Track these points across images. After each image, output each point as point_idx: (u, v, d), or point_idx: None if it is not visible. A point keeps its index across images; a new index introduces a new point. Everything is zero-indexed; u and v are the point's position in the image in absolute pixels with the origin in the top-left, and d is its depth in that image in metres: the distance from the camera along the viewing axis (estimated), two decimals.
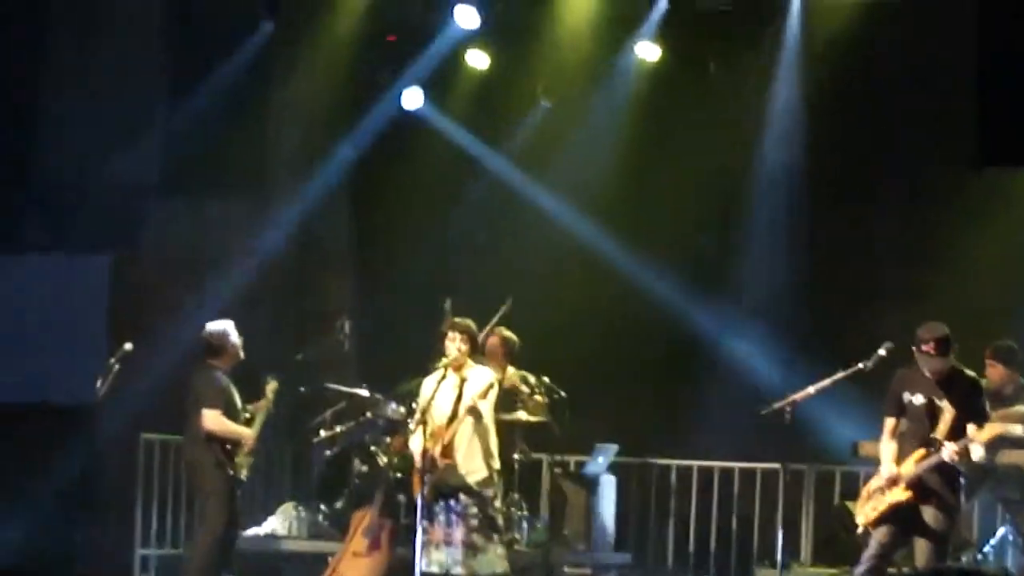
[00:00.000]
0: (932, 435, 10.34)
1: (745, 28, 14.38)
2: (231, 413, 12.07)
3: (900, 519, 10.40)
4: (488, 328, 12.35)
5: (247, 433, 12.10)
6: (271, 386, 12.29)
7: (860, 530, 10.75)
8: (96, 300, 14.96)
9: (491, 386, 11.69)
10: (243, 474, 12.08)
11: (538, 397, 13.27)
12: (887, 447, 10.58)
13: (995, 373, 12.16)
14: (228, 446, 12.00)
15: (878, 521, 10.47)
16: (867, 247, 13.98)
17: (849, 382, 10.94)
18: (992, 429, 10.38)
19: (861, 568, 10.43)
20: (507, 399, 12.81)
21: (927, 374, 10.36)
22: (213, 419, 11.95)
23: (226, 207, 15.34)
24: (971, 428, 10.28)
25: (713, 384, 14.46)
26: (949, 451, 10.22)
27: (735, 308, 14.60)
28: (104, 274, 15.15)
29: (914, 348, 10.33)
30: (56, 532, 13.36)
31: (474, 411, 11.57)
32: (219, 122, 14.95)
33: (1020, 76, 7.51)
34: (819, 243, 14.29)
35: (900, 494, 10.36)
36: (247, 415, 12.18)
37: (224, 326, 12.17)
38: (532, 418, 13.17)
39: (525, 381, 13.27)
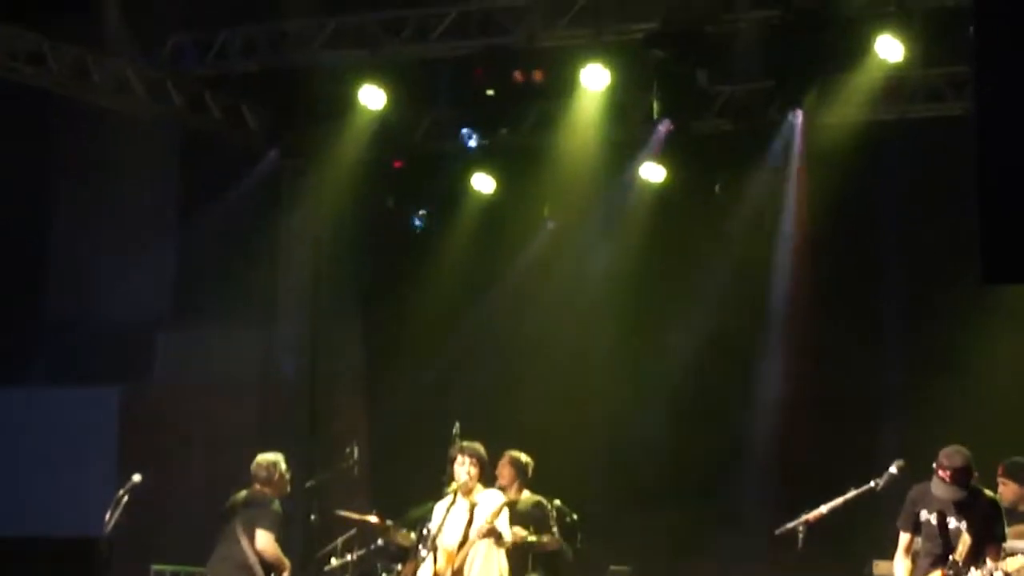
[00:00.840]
0: (952, 556, 10.23)
1: (747, 149, 14.45)
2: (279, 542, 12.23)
3: None
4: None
5: (287, 563, 12.22)
6: None
7: None
8: (105, 432, 14.99)
9: (504, 506, 11.64)
10: None
11: (552, 521, 13.21)
12: (901, 564, 10.48)
13: (1008, 491, 12.06)
14: (272, 574, 12.06)
15: None
16: (875, 365, 13.95)
17: (861, 501, 10.87)
18: (1021, 561, 10.26)
19: None
20: (522, 523, 12.74)
21: (943, 497, 10.28)
22: (269, 542, 12.05)
23: (236, 335, 15.40)
24: (991, 555, 10.16)
25: (726, 505, 14.37)
26: None
27: (743, 427, 14.54)
28: (113, 406, 15.20)
29: (933, 467, 10.26)
30: None
31: (492, 532, 11.49)
32: (228, 251, 15.04)
33: (1019, 195, 7.57)
34: (829, 362, 14.26)
35: None
36: None
37: (275, 456, 12.30)
38: (546, 540, 13.09)
39: (539, 505, 13.20)
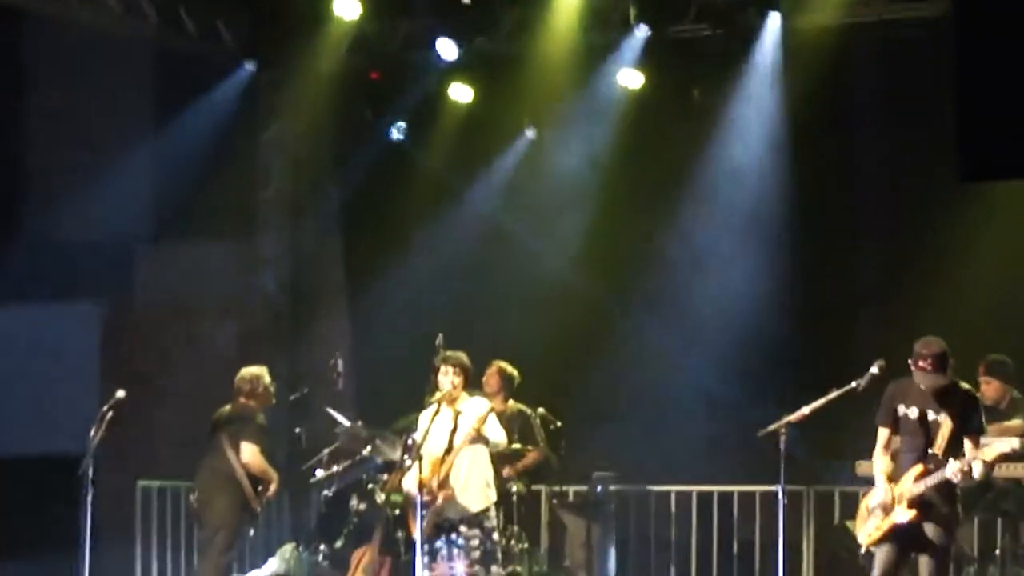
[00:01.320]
0: (930, 450, 10.29)
1: (725, 53, 14.40)
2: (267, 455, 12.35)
3: (902, 537, 10.35)
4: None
5: (273, 475, 12.39)
6: None
7: (863, 550, 10.71)
8: (86, 348, 14.99)
9: (490, 411, 11.68)
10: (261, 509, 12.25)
11: (536, 429, 13.28)
12: (881, 461, 10.52)
13: (990, 389, 12.15)
14: (259, 486, 12.12)
15: (881, 541, 10.41)
16: (853, 265, 13.98)
17: (843, 401, 10.90)
18: (997, 448, 10.33)
19: None
20: (506, 431, 12.79)
21: (924, 389, 10.32)
22: (254, 453, 12.18)
23: (216, 251, 15.36)
24: (969, 446, 10.23)
25: (708, 410, 14.43)
26: (953, 470, 10.16)
27: (725, 334, 14.57)
28: (95, 323, 15.19)
29: (911, 363, 10.29)
30: None
31: (479, 437, 11.54)
32: (206, 166, 14.99)
33: (998, 92, 7.52)
34: (805, 263, 14.28)
35: (904, 513, 10.29)
36: None
37: (258, 369, 12.35)
38: (531, 449, 13.18)
39: (522, 414, 13.27)
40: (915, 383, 10.33)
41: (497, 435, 11.71)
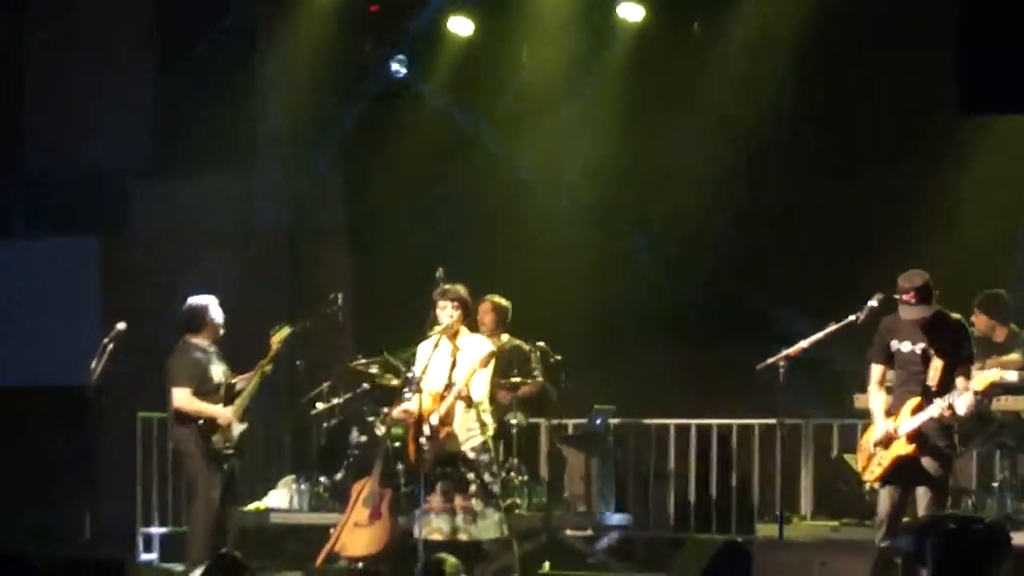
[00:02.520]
0: (925, 383, 10.33)
1: None
2: (205, 390, 12.03)
3: (904, 471, 10.40)
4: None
5: (218, 411, 12.00)
6: (278, 335, 12.18)
7: (867, 487, 10.76)
8: (88, 282, 15.00)
9: (492, 355, 11.70)
10: (227, 450, 12.06)
11: (533, 363, 13.33)
12: (876, 396, 10.56)
13: (980, 322, 12.21)
14: (202, 424, 11.95)
15: (884, 476, 10.46)
16: (853, 199, 13.96)
17: (842, 335, 10.94)
18: (987, 378, 10.37)
19: (882, 531, 10.36)
20: (503, 365, 12.84)
21: (911, 321, 10.35)
22: (181, 398, 11.92)
23: (216, 184, 15.37)
24: (960, 380, 10.27)
25: (708, 342, 14.46)
26: (939, 408, 10.21)
27: (725, 268, 14.59)
28: (95, 256, 15.19)
29: (896, 297, 10.33)
30: (58, 512, 13.41)
31: (466, 398, 11.57)
32: (205, 100, 14.96)
33: (997, 25, 7.53)
34: (806, 197, 14.27)
35: (903, 447, 10.34)
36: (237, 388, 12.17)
37: (205, 300, 12.15)
38: (528, 383, 13.23)
39: (519, 348, 13.30)
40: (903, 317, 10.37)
41: (480, 393, 11.70)
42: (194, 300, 12.17)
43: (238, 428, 12.08)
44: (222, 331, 12.15)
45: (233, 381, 12.14)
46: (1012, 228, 13.60)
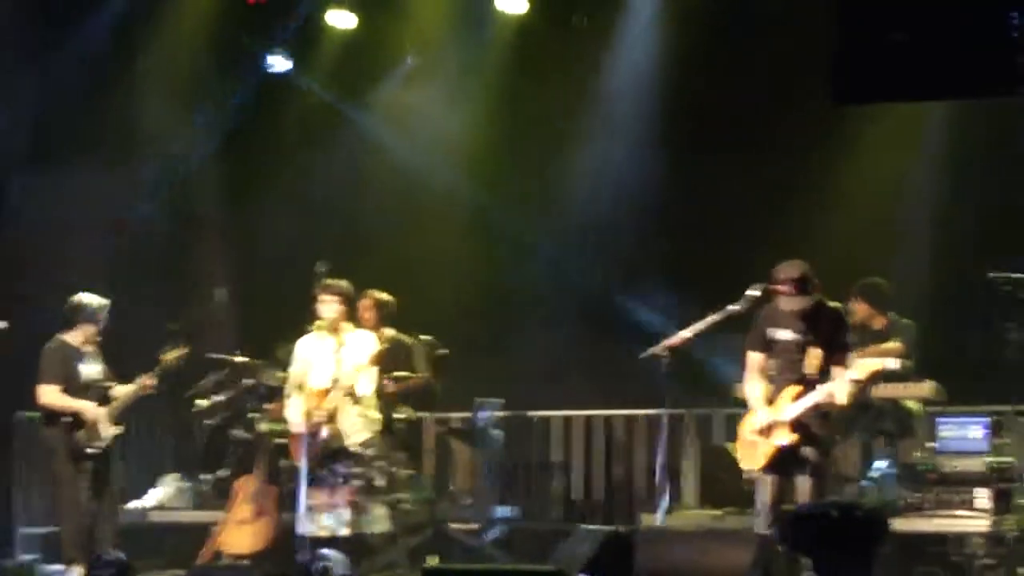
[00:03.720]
0: (804, 371, 10.40)
1: None
2: (73, 388, 11.92)
3: (785, 460, 10.47)
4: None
5: (84, 406, 11.91)
6: (171, 354, 12.06)
7: (746, 475, 10.83)
8: None
9: (381, 354, 11.66)
10: (91, 448, 11.90)
11: (416, 356, 13.28)
12: (754, 385, 10.62)
13: (860, 310, 12.32)
14: (67, 420, 11.85)
15: (766, 466, 10.52)
16: (733, 189, 14.04)
17: (724, 324, 10.98)
18: (869, 367, 10.45)
19: (761, 520, 10.42)
20: (386, 360, 12.79)
21: (789, 312, 10.42)
22: (45, 394, 11.88)
23: (94, 178, 15.16)
24: (836, 370, 10.34)
25: (592, 333, 14.49)
26: (820, 395, 10.28)
27: (607, 257, 14.63)
28: None
29: (773, 288, 10.40)
30: None
31: (351, 392, 11.52)
32: (85, 88, 14.78)
33: (872, 17, 7.61)
34: (686, 188, 14.34)
35: (785, 436, 10.41)
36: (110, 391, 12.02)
37: (86, 300, 12.03)
38: (412, 377, 13.19)
39: (402, 343, 13.26)
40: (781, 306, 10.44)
41: (366, 389, 11.67)
42: (76, 298, 12.05)
43: (111, 430, 11.97)
44: (98, 336, 12.01)
45: (108, 385, 11.98)
46: (890, 214, 13.75)
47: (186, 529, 13.54)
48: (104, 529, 11.94)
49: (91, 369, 11.99)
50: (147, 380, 12.03)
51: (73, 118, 14.75)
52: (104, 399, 11.96)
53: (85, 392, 11.92)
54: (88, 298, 12.06)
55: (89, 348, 12.03)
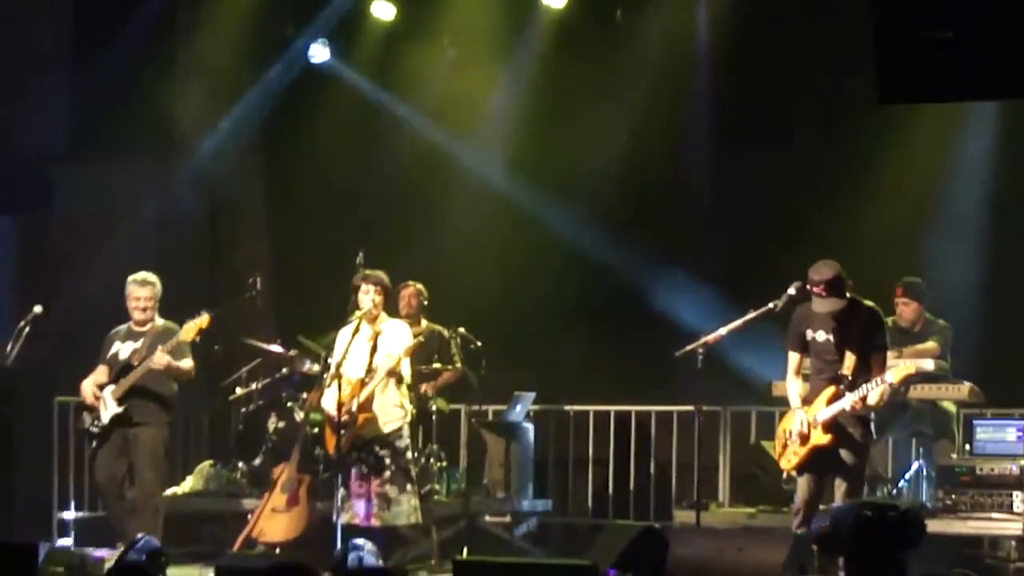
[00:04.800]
0: (840, 372, 10.40)
1: None
2: (109, 367, 12.05)
3: (821, 461, 10.48)
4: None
5: (82, 388, 12.03)
6: (194, 324, 11.96)
7: (784, 475, 10.84)
8: (5, 264, 14.86)
9: (419, 343, 11.68)
10: (92, 428, 11.96)
11: (453, 348, 13.31)
12: (793, 384, 10.66)
13: (908, 310, 12.26)
14: (80, 401, 12.08)
15: (801, 466, 10.53)
16: (774, 185, 14.01)
17: (761, 322, 10.99)
18: (902, 370, 10.44)
19: (798, 517, 10.44)
20: (423, 351, 12.82)
21: (822, 313, 10.42)
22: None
23: (135, 168, 15.25)
24: (874, 371, 10.33)
25: (628, 329, 14.48)
26: (850, 400, 10.30)
27: (648, 253, 14.61)
28: (10, 237, 15.05)
29: (808, 288, 10.40)
30: None
31: (394, 372, 11.53)
32: (125, 83, 14.84)
33: (915, 16, 7.60)
34: (728, 185, 14.32)
35: (820, 437, 10.42)
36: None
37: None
38: (449, 369, 13.22)
39: (439, 334, 13.28)
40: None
41: (401, 380, 11.70)
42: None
43: (112, 411, 11.95)
44: (133, 312, 12.06)
45: (131, 363, 11.99)
46: (926, 214, 13.71)
47: (221, 517, 13.60)
48: (138, 516, 11.96)
49: (118, 347, 12.07)
50: (153, 359, 11.92)
51: (114, 110, 14.81)
52: (119, 377, 11.99)
53: (110, 371, 12.01)
54: (130, 278, 12.18)
55: (139, 328, 12.11)
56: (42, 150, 15.35)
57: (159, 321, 12.19)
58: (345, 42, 15.53)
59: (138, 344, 12.08)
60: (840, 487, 10.48)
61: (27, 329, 11.91)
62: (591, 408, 14.30)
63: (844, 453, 10.44)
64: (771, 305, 10.82)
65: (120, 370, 11.98)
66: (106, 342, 12.16)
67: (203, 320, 11.93)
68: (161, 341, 11.97)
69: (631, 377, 14.13)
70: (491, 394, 13.80)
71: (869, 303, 10.61)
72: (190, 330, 11.92)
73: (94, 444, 12.00)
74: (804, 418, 10.47)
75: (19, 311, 12.46)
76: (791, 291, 10.75)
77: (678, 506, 13.02)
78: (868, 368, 10.39)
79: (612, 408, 14.23)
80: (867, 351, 10.40)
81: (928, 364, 11.49)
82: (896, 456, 12.75)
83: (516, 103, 15.14)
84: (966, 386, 12.02)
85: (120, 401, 11.91)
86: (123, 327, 12.17)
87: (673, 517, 12.65)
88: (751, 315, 10.92)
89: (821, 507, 10.37)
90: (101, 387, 11.98)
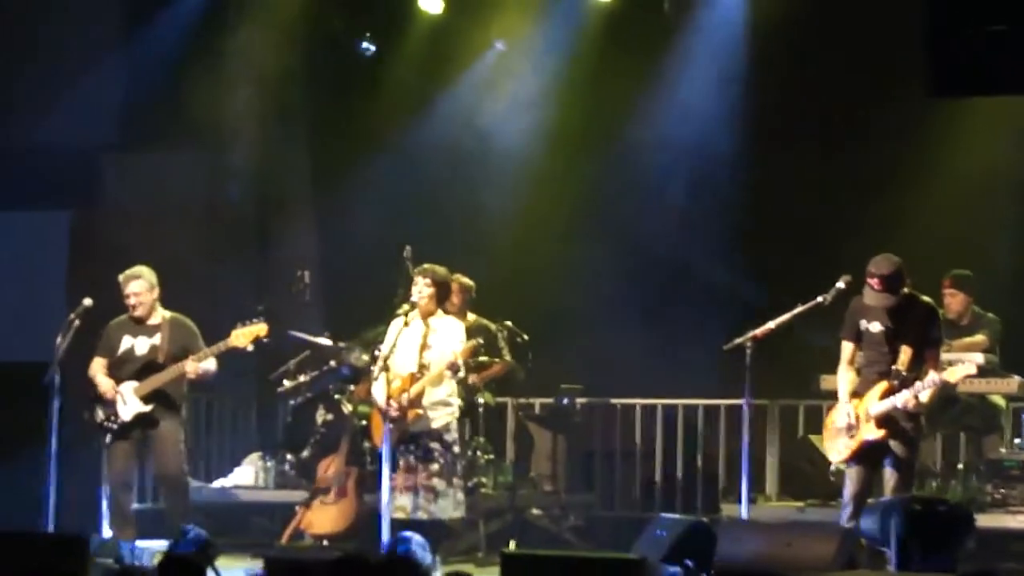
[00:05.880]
0: (894, 367, 10.36)
1: None
2: (113, 362, 12.00)
3: (871, 454, 10.45)
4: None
5: (101, 381, 11.94)
6: (245, 333, 11.82)
7: (832, 467, 10.81)
8: (55, 257, 14.93)
9: (475, 345, 11.64)
10: (108, 424, 11.93)
11: (501, 342, 13.31)
12: (845, 375, 10.60)
13: (955, 302, 12.22)
14: (93, 394, 11.99)
15: (852, 458, 10.50)
16: (821, 179, 13.98)
17: (809, 316, 10.96)
18: (961, 372, 10.38)
19: (847, 511, 10.41)
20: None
21: (875, 306, 10.38)
22: (92, 366, 12.02)
23: (184, 161, 15.31)
24: (927, 367, 10.30)
25: (675, 322, 14.47)
26: (903, 399, 10.25)
27: (697, 246, 14.59)
28: (63, 231, 15.12)
29: (866, 279, 10.36)
30: (24, 487, 13.34)
31: (453, 366, 11.50)
32: (174, 75, 14.89)
33: (965, 9, 7.55)
34: (777, 179, 14.27)
35: (872, 431, 10.37)
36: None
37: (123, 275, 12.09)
38: (497, 362, 13.21)
39: (486, 328, 13.28)
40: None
41: (452, 377, 11.68)
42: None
43: (133, 408, 11.89)
44: (131, 307, 12.02)
45: (151, 360, 11.95)
46: (981, 207, 13.64)
47: (269, 508, 13.66)
48: (169, 512, 12.00)
49: (131, 343, 12.03)
50: (188, 364, 11.81)
51: (162, 103, 14.86)
52: (141, 374, 12.00)
53: (121, 366, 12.00)
54: (124, 274, 12.12)
55: (152, 322, 12.04)
56: (92, 142, 15.40)
57: (166, 313, 12.08)
58: (393, 35, 15.54)
59: (155, 340, 11.98)
60: (890, 481, 10.43)
61: (77, 322, 11.94)
62: (638, 401, 14.29)
63: (895, 446, 10.40)
64: (820, 299, 10.79)
65: (143, 367, 11.94)
66: (109, 333, 12.06)
67: (261, 328, 11.80)
68: (180, 336, 11.91)
69: (678, 371, 14.11)
70: (538, 387, 13.81)
71: (926, 298, 10.58)
72: (246, 336, 11.79)
73: (108, 439, 11.97)
74: (852, 411, 10.43)
75: (70, 304, 12.50)
76: (840, 285, 10.72)
77: (725, 500, 12.99)
78: (922, 362, 10.36)
79: (659, 402, 14.21)
80: (922, 346, 10.37)
81: (979, 358, 11.45)
82: (945, 450, 12.70)
83: (563, 94, 15.12)
84: (1015, 380, 11.97)
85: (146, 400, 11.90)
86: (124, 318, 12.10)
87: (720, 511, 12.63)
88: (800, 308, 10.89)
89: (870, 501, 10.33)
90: (115, 380, 11.98)
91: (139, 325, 12.05)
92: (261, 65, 15.45)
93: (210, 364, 11.92)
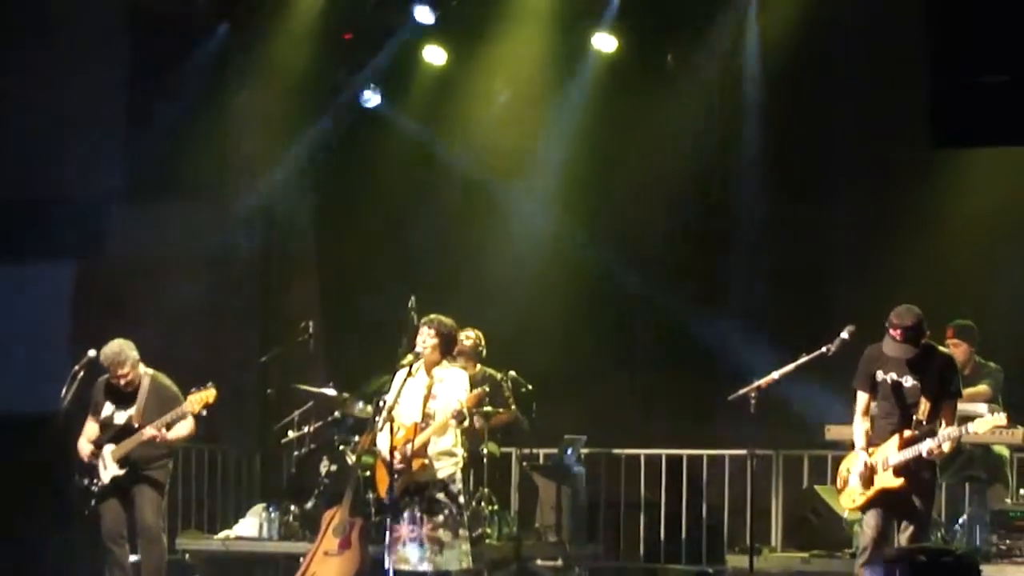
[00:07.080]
0: (915, 416, 10.28)
1: (700, 17, 14.41)
2: (98, 422, 12.03)
3: (888, 503, 10.35)
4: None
5: (80, 448, 11.97)
6: (200, 396, 11.74)
7: (845, 514, 10.75)
8: (60, 308, 14.95)
9: (483, 393, 11.61)
10: (91, 487, 11.91)
11: (506, 392, 13.31)
12: (860, 425, 10.48)
13: (958, 352, 12.18)
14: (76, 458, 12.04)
15: (868, 506, 10.43)
16: (825, 230, 14.02)
17: (813, 366, 10.95)
18: (992, 421, 10.31)
19: (862, 559, 10.35)
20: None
21: (892, 356, 10.34)
22: (85, 428, 12.04)
23: (188, 212, 15.35)
24: (945, 418, 10.25)
25: (679, 373, 14.48)
26: (928, 447, 10.18)
27: (700, 297, 14.61)
28: (68, 282, 15.14)
29: (886, 324, 10.31)
30: (28, 539, 13.33)
31: (460, 415, 11.47)
32: (179, 127, 14.95)
33: (968, 61, 7.59)
34: (779, 228, 14.32)
35: (890, 481, 10.28)
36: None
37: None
38: (502, 412, 13.21)
39: (491, 377, 13.28)
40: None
41: (456, 428, 11.66)
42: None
43: (111, 472, 11.88)
44: (113, 377, 11.98)
45: (127, 427, 11.95)
46: (981, 257, 13.67)
47: (273, 560, 13.63)
48: (144, 565, 11.99)
49: (110, 410, 12.04)
50: (149, 431, 11.77)
51: (169, 154, 14.92)
52: (119, 438, 11.92)
53: (104, 429, 12.02)
54: (107, 347, 12.08)
55: (132, 389, 12.03)
56: (97, 192, 15.45)
57: (147, 374, 12.05)
58: (397, 86, 15.61)
59: (131, 410, 11.95)
60: (906, 530, 10.34)
61: (81, 373, 11.94)
62: (642, 451, 14.28)
63: (914, 496, 10.33)
64: (824, 349, 10.76)
65: (119, 431, 11.90)
66: (95, 395, 12.07)
67: (209, 394, 11.76)
68: (156, 400, 11.90)
69: (682, 421, 14.11)
70: (542, 438, 13.80)
71: (944, 349, 10.55)
72: (196, 403, 11.77)
73: (93, 503, 11.97)
74: (867, 460, 10.36)
75: (74, 354, 12.51)
76: (844, 335, 10.69)
77: (730, 551, 12.96)
78: (938, 413, 10.30)
79: (663, 452, 14.20)
80: (941, 397, 10.29)
81: (980, 408, 11.44)
82: (949, 500, 12.67)
83: (567, 146, 15.17)
84: (1020, 430, 11.95)
85: (121, 463, 11.89)
86: (110, 385, 12.03)
87: (726, 562, 12.60)
88: (804, 359, 10.86)
89: (878, 550, 10.27)
90: (97, 444, 11.98)
91: (121, 391, 12.04)
92: (265, 117, 15.52)
93: (181, 429, 11.89)
